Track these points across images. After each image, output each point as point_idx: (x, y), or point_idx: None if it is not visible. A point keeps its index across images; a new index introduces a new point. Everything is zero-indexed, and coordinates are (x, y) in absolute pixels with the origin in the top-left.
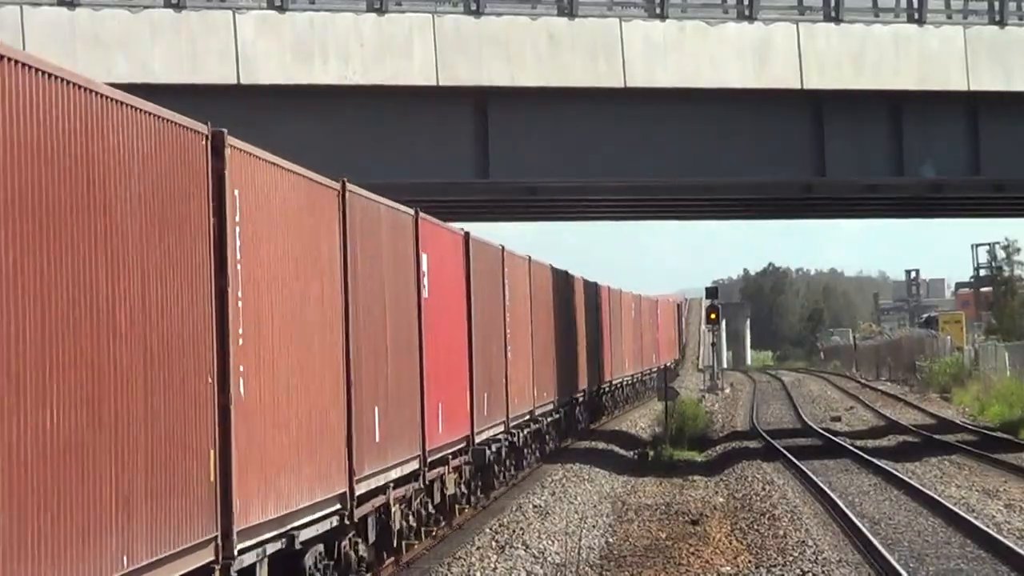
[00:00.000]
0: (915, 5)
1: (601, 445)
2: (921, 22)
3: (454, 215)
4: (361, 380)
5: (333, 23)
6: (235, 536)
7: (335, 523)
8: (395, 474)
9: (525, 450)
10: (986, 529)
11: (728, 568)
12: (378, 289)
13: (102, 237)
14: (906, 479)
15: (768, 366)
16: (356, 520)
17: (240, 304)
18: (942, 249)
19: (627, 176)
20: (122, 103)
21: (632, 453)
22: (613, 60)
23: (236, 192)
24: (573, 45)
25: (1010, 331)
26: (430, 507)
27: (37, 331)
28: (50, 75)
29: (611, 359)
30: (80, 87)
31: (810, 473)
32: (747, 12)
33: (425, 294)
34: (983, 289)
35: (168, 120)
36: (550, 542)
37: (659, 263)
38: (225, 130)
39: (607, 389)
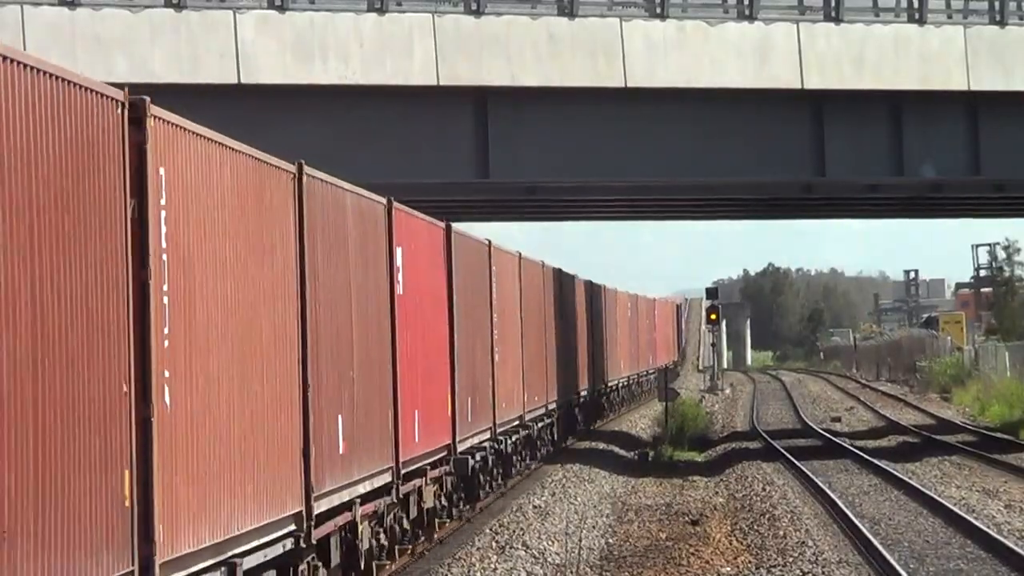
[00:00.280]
0: (915, 5)
1: (601, 445)
2: (921, 22)
3: (454, 215)
4: (321, 385)
5: (333, 23)
6: (157, 569)
7: (289, 546)
8: (363, 488)
9: (514, 457)
10: (986, 529)
11: (728, 568)
12: (343, 284)
13: None
14: (906, 479)
15: (768, 366)
16: (315, 541)
17: (166, 300)
18: (942, 249)
19: (627, 176)
20: (5, 58)
21: (632, 453)
22: (613, 60)
23: (161, 170)
24: (573, 45)
25: (1010, 331)
26: (405, 522)
27: None
28: None
29: (606, 361)
30: None
31: (810, 473)
32: (747, 12)
33: (399, 290)
34: (983, 289)
35: (73, 83)
36: (550, 542)
37: (659, 263)
38: (147, 98)
39: (601, 392)
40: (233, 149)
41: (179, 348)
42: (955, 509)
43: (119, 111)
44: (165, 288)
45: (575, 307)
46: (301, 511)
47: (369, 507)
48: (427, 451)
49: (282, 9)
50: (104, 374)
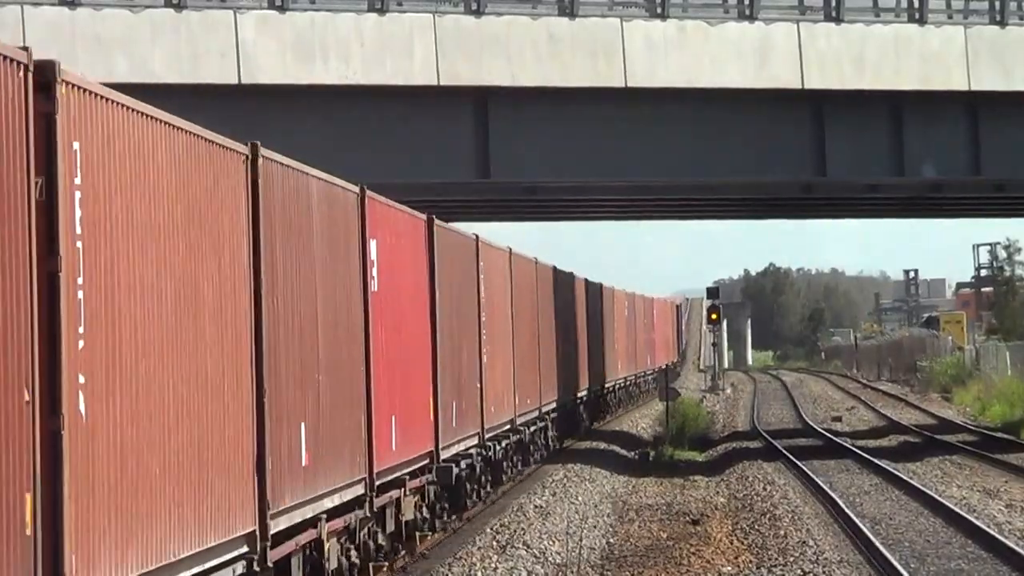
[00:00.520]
0: (916, 5)
1: (602, 445)
2: (922, 22)
3: (454, 215)
4: (280, 390)
5: (334, 23)
6: None
7: (241, 571)
8: (330, 503)
9: (505, 464)
10: (987, 529)
11: (729, 568)
12: (307, 279)
13: None
14: (907, 479)
15: (769, 366)
16: (273, 564)
17: (81, 295)
18: (943, 249)
19: (627, 176)
20: None
21: (633, 453)
22: (614, 60)
23: (76, 145)
24: (574, 45)
25: (1011, 331)
26: (380, 537)
27: None
28: None
29: (602, 362)
30: None
31: (811, 473)
32: (748, 12)
33: (374, 286)
34: (984, 289)
35: None
36: (551, 542)
37: (659, 263)
38: (58, 62)
39: (597, 394)
40: (171, 125)
41: (98, 350)
42: (956, 509)
43: (21, 75)
44: (80, 281)
45: (570, 306)
46: (255, 531)
47: (338, 523)
48: (406, 460)
49: (282, 9)
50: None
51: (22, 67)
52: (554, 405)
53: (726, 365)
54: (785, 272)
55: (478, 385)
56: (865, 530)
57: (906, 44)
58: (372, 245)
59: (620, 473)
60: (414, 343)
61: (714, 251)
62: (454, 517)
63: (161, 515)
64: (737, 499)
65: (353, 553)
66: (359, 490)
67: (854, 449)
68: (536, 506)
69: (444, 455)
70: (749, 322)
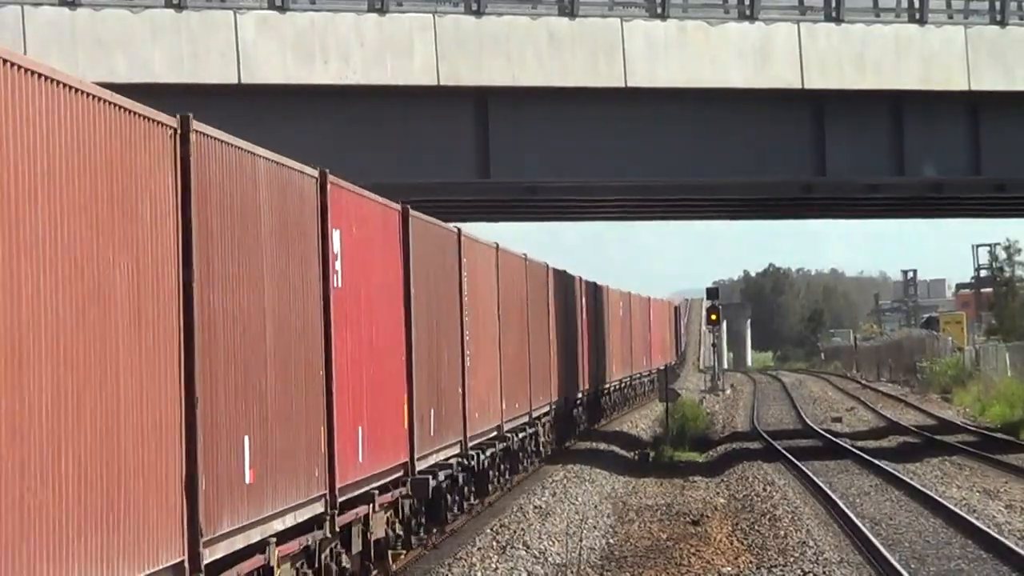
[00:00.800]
0: (916, 5)
1: (602, 446)
2: (922, 22)
3: (454, 215)
4: (216, 399)
5: (334, 23)
6: None
7: None
8: (282, 524)
9: (491, 473)
10: (987, 530)
11: (729, 568)
12: (252, 272)
13: None
14: (907, 480)
15: (769, 367)
16: None
17: None
18: (943, 249)
19: (627, 176)
20: None
21: (633, 454)
22: (614, 60)
23: None
24: (574, 45)
25: (1011, 331)
26: (345, 559)
27: None
28: None
29: (596, 363)
30: None
31: (811, 474)
32: (748, 12)
33: (337, 282)
34: (983, 290)
35: None
36: (551, 543)
37: (659, 264)
38: None
39: (591, 398)
40: (73, 88)
41: None
42: (956, 509)
43: None
44: None
45: (562, 306)
46: (183, 561)
47: (292, 546)
48: (375, 472)
49: (283, 9)
50: None
51: None
52: (547, 409)
53: (726, 366)
54: (785, 272)
55: (460, 390)
56: (865, 530)
57: (906, 44)
58: (335, 236)
59: (620, 474)
60: (386, 345)
61: (714, 251)
62: (435, 531)
63: (52, 552)
64: (737, 500)
65: None
66: (318, 508)
67: (854, 450)
68: (536, 506)
69: (420, 466)
70: (749, 323)
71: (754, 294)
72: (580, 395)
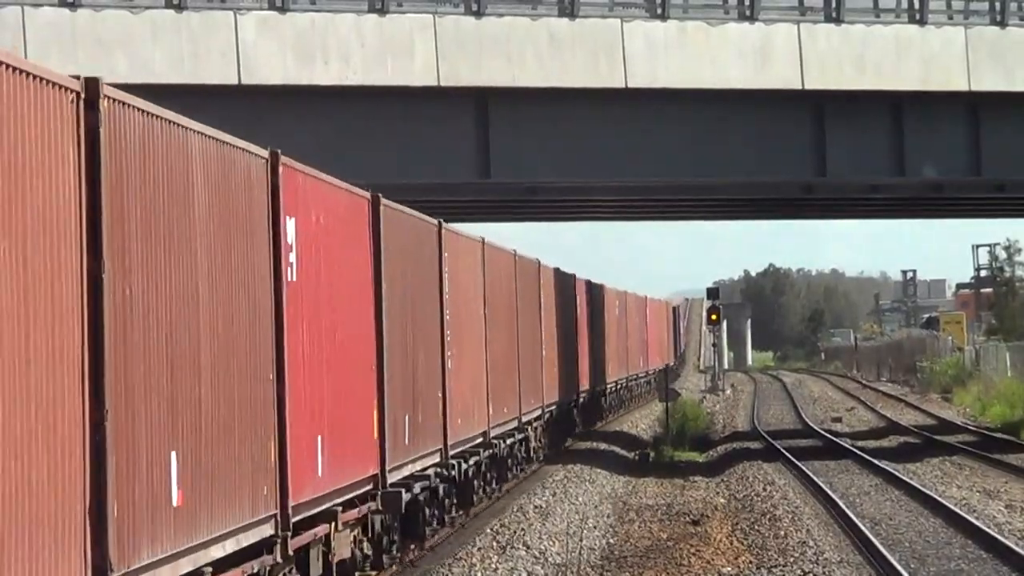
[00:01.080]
0: (916, 6)
1: (602, 446)
2: (922, 23)
3: (454, 215)
4: (133, 410)
5: (334, 23)
6: None
7: None
8: (221, 551)
9: (476, 482)
10: (987, 530)
11: (729, 568)
12: (182, 264)
13: None
14: (907, 480)
15: (769, 367)
16: None
17: None
18: (943, 250)
19: (627, 176)
20: None
21: (633, 454)
22: (614, 60)
23: None
24: (574, 45)
25: (1011, 331)
26: None
27: None
28: None
29: (591, 364)
30: None
31: (811, 474)
32: (748, 12)
33: (291, 275)
34: (983, 290)
35: None
36: (551, 543)
37: (659, 264)
38: None
39: (591, 398)
40: None
41: None
42: (956, 509)
43: None
44: None
45: (557, 305)
46: None
47: (233, 574)
48: (338, 487)
49: (283, 10)
50: None
51: None
52: (538, 413)
53: (726, 366)
54: (785, 273)
55: (440, 394)
56: (865, 530)
57: (906, 45)
58: (289, 224)
59: (620, 474)
60: (352, 345)
61: (714, 252)
62: (412, 548)
63: None
64: (737, 499)
65: None
66: (266, 530)
67: (854, 450)
68: (536, 506)
69: (393, 478)
70: (749, 323)
71: (754, 294)
72: (572, 399)
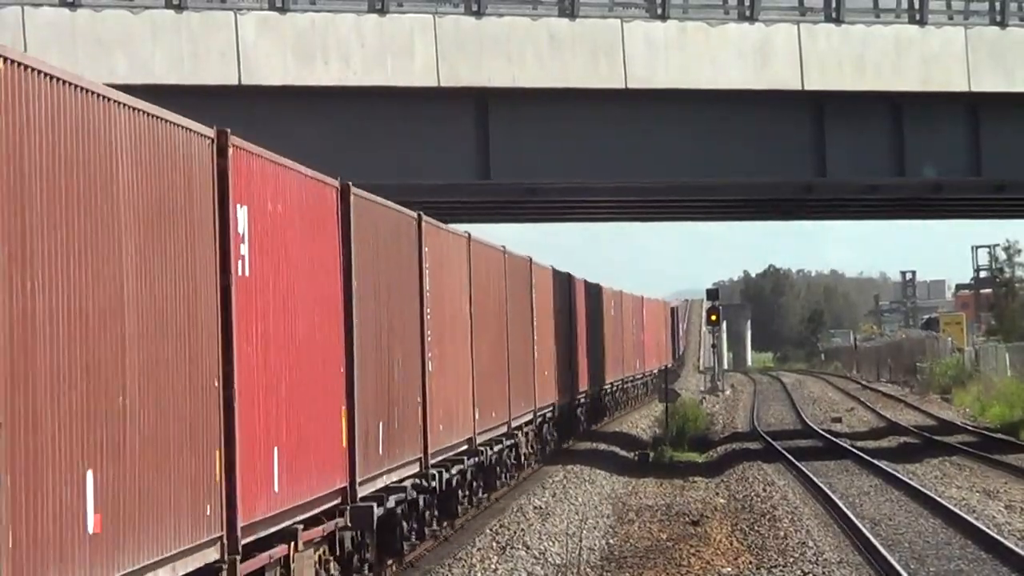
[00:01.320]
0: (916, 6)
1: (602, 447)
2: (922, 23)
3: (455, 216)
4: (36, 423)
5: (334, 24)
6: None
7: None
8: None
9: (460, 492)
10: (986, 530)
11: (729, 569)
12: (105, 255)
13: None
14: (907, 480)
15: (769, 367)
16: None
17: None
18: (942, 250)
19: (627, 176)
20: None
21: (633, 454)
22: (614, 61)
23: None
24: (574, 45)
25: (1010, 332)
26: None
27: None
28: None
29: (588, 366)
30: None
31: (811, 474)
32: (748, 13)
33: (241, 270)
34: (983, 291)
35: None
36: (551, 543)
37: (659, 264)
38: None
39: (581, 402)
40: None
41: None
42: (955, 510)
43: None
44: None
45: (553, 305)
46: None
47: None
48: (298, 504)
49: (283, 10)
50: None
51: None
52: (529, 418)
53: (726, 366)
54: (785, 273)
55: (419, 399)
56: (865, 531)
57: (906, 45)
58: (240, 214)
59: (620, 474)
60: (317, 348)
61: (713, 252)
62: (390, 564)
63: None
64: (737, 500)
65: None
66: (211, 555)
67: (854, 450)
68: (536, 507)
69: (364, 491)
70: (749, 323)
71: (754, 295)
72: (569, 401)
